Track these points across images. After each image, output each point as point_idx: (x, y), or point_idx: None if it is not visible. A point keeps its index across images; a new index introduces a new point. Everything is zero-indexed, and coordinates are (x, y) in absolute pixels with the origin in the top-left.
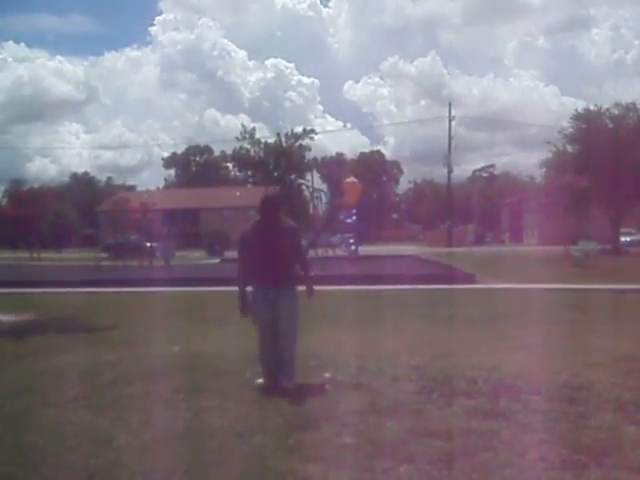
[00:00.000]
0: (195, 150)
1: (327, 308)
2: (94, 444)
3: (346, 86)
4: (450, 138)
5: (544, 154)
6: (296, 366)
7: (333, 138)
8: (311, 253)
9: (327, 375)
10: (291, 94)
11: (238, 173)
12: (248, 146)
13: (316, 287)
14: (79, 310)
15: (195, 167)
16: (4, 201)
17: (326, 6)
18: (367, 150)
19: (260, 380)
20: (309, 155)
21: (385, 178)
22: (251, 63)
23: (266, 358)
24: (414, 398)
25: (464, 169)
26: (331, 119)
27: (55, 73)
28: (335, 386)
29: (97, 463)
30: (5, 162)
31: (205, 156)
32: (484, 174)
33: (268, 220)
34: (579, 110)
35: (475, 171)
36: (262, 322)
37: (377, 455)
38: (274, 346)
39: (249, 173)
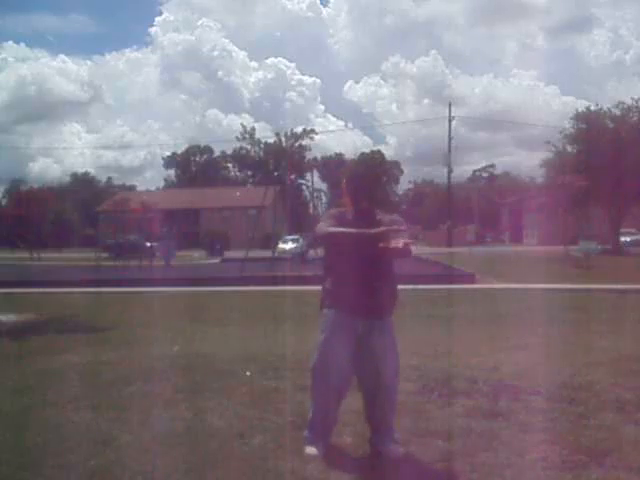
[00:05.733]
0: (195, 150)
1: None
2: (94, 444)
3: (347, 86)
4: (450, 138)
5: (545, 154)
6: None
7: (335, 138)
8: (311, 253)
9: None
10: (292, 94)
11: (238, 173)
12: (248, 146)
13: (316, 287)
14: (79, 310)
15: (195, 167)
16: (4, 201)
17: (326, 6)
18: (368, 150)
19: (312, 449)
20: (309, 155)
21: (385, 178)
22: (252, 63)
23: (328, 417)
24: (414, 398)
25: (464, 169)
26: (332, 119)
27: (57, 73)
28: None
29: (97, 463)
30: (8, 162)
31: (205, 156)
32: (484, 174)
33: (366, 212)
34: (580, 110)
35: (475, 171)
36: (337, 364)
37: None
38: (341, 399)
39: (249, 173)
